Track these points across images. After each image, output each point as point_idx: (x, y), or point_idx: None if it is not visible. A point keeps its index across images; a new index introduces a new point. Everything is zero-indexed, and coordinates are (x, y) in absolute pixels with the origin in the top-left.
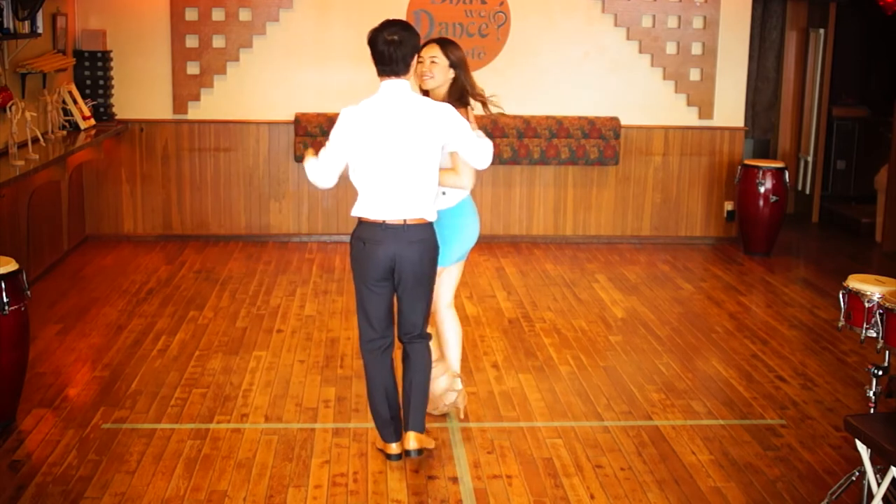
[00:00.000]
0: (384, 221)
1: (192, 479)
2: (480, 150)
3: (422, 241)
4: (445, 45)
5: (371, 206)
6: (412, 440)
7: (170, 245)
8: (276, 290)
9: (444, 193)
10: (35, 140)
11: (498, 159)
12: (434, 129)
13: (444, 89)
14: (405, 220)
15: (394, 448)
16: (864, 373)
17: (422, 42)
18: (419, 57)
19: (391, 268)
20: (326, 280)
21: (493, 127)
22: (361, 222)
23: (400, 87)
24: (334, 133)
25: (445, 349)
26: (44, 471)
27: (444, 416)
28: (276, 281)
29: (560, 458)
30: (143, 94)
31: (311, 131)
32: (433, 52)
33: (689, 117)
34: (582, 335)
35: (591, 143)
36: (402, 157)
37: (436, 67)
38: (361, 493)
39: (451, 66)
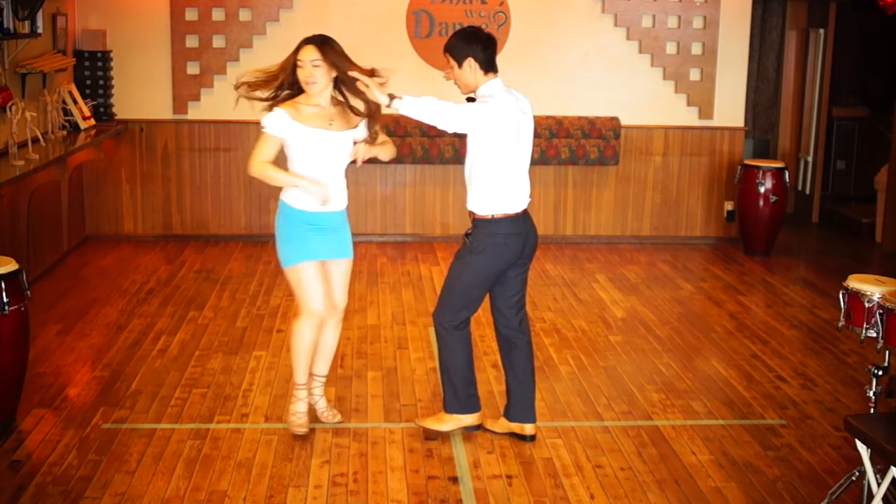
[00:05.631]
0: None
1: (192, 479)
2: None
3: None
4: (324, 44)
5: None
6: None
7: (170, 245)
8: (276, 290)
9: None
10: (35, 140)
11: None
12: None
13: (328, 91)
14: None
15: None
16: (864, 373)
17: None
18: (298, 61)
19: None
20: None
21: None
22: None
23: None
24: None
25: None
26: (44, 471)
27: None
28: (276, 281)
29: (560, 458)
30: (143, 94)
31: None
32: (313, 56)
33: (689, 117)
34: (582, 335)
35: (591, 143)
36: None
37: (318, 71)
38: (361, 493)
39: (333, 65)
